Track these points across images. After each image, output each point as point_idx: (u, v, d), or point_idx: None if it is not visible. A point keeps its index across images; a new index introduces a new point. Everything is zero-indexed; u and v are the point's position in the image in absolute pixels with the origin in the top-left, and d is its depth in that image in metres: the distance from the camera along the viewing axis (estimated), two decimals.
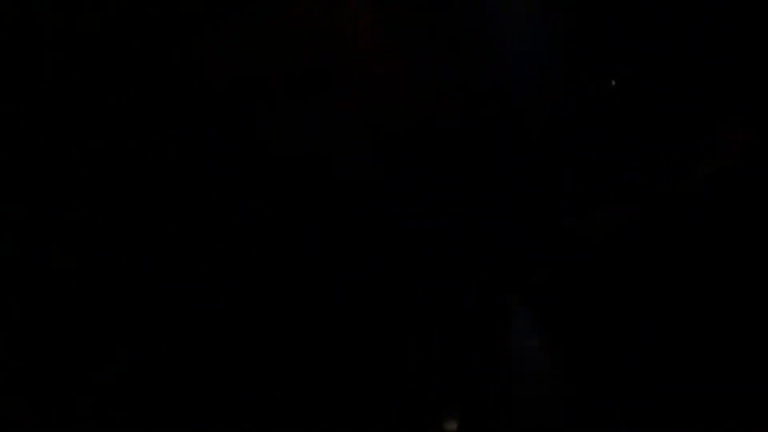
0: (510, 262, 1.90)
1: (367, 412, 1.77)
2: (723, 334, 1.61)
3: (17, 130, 1.60)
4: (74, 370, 1.60)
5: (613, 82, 1.83)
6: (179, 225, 1.65)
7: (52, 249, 1.62)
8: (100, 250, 1.62)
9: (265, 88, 1.72)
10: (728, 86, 1.77)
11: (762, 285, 1.59)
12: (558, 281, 1.87)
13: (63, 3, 1.56)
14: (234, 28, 1.68)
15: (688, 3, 1.81)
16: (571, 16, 1.89)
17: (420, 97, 1.82)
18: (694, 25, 1.80)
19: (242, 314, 1.75)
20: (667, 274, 1.71)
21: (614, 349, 1.75)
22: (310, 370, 1.76)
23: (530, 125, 1.87)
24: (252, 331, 1.76)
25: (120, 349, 1.64)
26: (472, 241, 1.87)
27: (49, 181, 1.62)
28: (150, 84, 1.62)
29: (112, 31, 1.60)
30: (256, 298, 1.76)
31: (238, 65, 1.70)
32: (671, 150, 1.77)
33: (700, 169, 1.68)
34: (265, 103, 1.71)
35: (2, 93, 1.56)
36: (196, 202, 1.67)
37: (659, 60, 1.82)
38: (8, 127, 1.60)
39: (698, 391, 1.60)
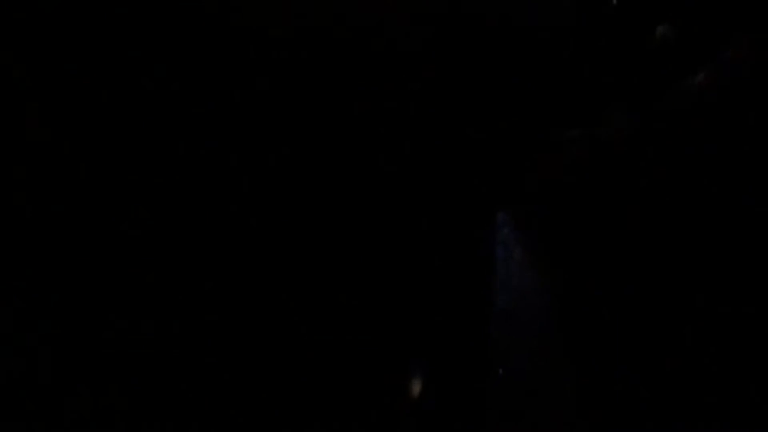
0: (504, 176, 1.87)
1: (365, 409, 1.77)
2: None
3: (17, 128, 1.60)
4: (74, 369, 1.60)
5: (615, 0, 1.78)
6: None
7: (52, 248, 1.62)
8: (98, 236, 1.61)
9: None
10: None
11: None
12: (552, 196, 1.84)
13: None
14: None
15: None
16: None
17: None
18: None
19: (239, 315, 1.74)
20: (666, 192, 1.65)
21: (604, 268, 1.72)
22: (308, 368, 1.76)
23: (533, 36, 1.83)
24: (249, 329, 1.75)
25: (119, 348, 1.64)
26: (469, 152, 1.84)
27: (47, 178, 1.63)
28: None
29: None
30: (253, 295, 1.76)
31: None
32: (673, 65, 1.70)
33: (700, 80, 1.61)
34: None
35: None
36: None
37: None
38: (10, 125, 1.60)
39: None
